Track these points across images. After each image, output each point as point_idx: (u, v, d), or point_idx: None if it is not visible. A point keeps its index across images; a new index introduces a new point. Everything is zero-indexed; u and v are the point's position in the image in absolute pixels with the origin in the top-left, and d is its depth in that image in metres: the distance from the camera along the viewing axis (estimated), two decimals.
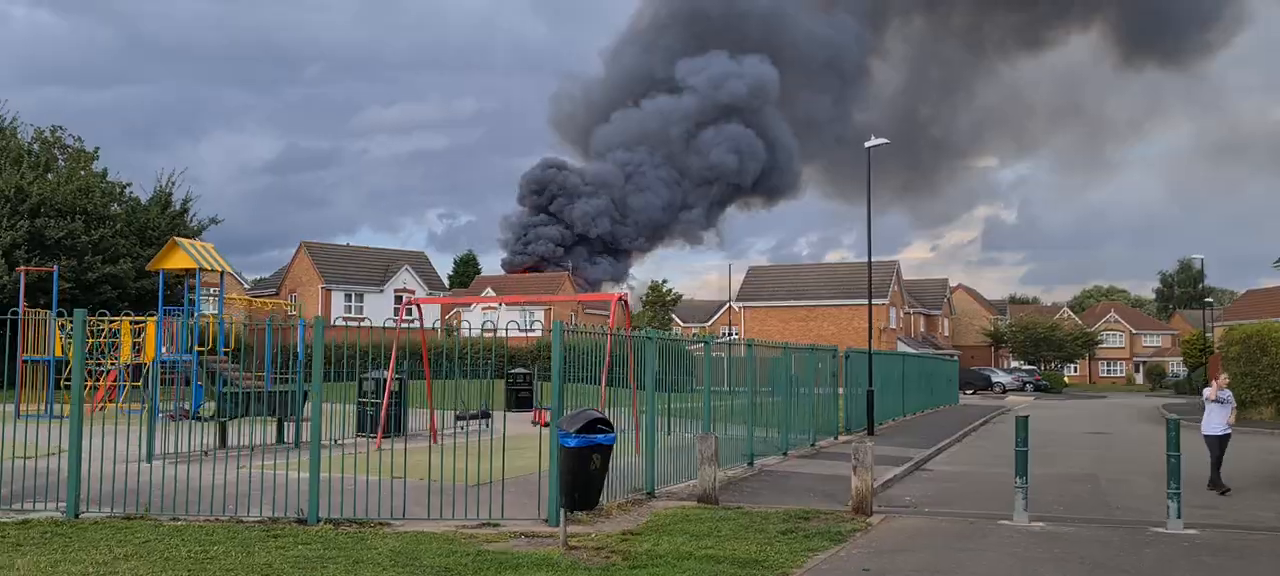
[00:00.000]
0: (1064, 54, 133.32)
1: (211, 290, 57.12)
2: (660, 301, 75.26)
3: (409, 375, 20.50)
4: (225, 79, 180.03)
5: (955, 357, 75.25)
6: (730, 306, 70.45)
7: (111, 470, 12.31)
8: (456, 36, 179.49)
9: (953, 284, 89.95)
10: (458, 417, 15.84)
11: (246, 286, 59.80)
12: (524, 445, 14.96)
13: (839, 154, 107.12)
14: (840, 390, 24.38)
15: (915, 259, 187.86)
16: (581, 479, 9.28)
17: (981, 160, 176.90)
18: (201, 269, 22.42)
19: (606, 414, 10.90)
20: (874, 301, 63.71)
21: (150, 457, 14.39)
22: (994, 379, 66.26)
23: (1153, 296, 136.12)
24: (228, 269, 23.64)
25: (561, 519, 9.59)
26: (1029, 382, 70.25)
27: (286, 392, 17.47)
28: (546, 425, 12.83)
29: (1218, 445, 15.29)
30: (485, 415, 21.71)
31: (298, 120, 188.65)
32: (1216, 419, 15.35)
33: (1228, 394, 15.41)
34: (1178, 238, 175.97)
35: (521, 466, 13.52)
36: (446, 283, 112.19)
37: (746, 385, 17.42)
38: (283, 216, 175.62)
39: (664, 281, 79.13)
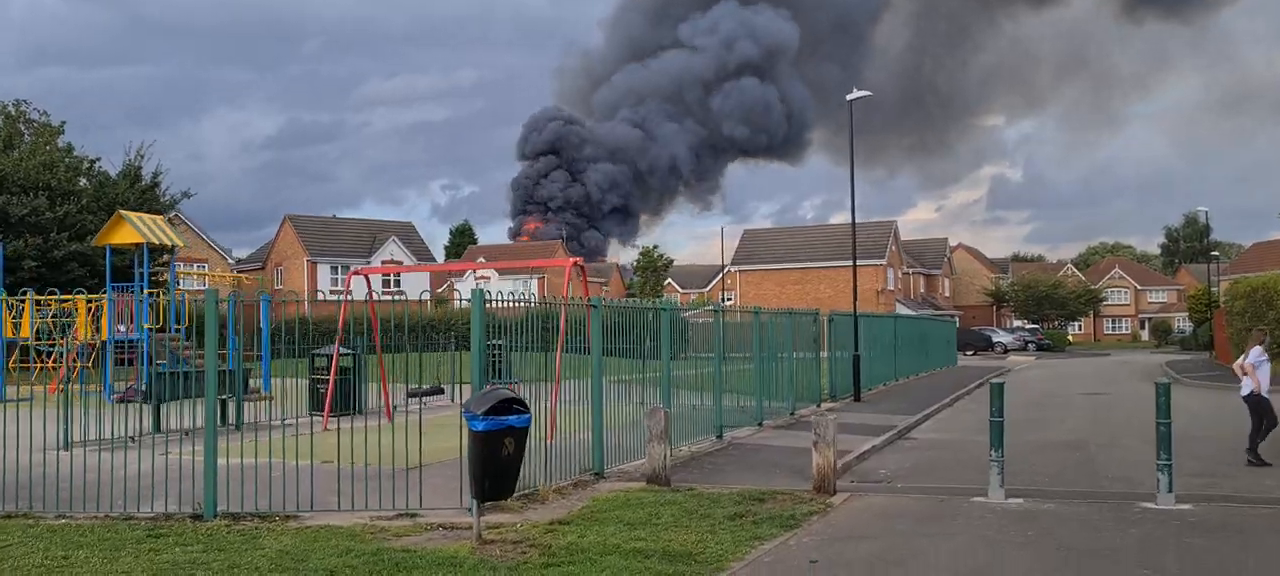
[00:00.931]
0: (1068, 9, 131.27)
1: (193, 265, 56.29)
2: (652, 267, 74.19)
3: (368, 349, 19.52)
4: (226, 57, 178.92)
5: (955, 318, 74.40)
6: (724, 270, 69.45)
7: (15, 459, 11.33)
8: (456, 8, 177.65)
9: (953, 243, 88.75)
10: (409, 394, 14.84)
11: (231, 263, 58.87)
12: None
13: (846, 116, 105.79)
14: (823, 355, 23.37)
15: (920, 220, 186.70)
16: (493, 466, 8.29)
17: (987, 118, 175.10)
18: (149, 243, 21.39)
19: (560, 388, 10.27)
20: (871, 262, 62.91)
21: (67, 445, 13.42)
22: (995, 339, 65.36)
23: (1158, 252, 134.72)
24: (179, 242, 22.62)
25: (475, 510, 8.61)
26: (1031, 342, 69.32)
27: (228, 372, 16.49)
28: None
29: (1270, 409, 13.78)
30: (438, 391, 20.79)
31: (299, 95, 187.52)
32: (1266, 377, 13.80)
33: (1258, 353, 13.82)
34: (1185, 192, 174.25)
35: (455, 448, 12.52)
36: (443, 253, 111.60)
37: (714, 352, 16.40)
38: (285, 191, 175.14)
39: (654, 247, 77.95)
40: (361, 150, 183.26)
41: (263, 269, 58.90)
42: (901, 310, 64.14)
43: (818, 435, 10.85)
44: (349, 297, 18.77)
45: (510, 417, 8.30)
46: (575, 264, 16.64)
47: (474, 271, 74.34)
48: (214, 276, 51.14)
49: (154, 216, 23.74)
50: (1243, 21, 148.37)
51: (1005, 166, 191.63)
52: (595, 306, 12.42)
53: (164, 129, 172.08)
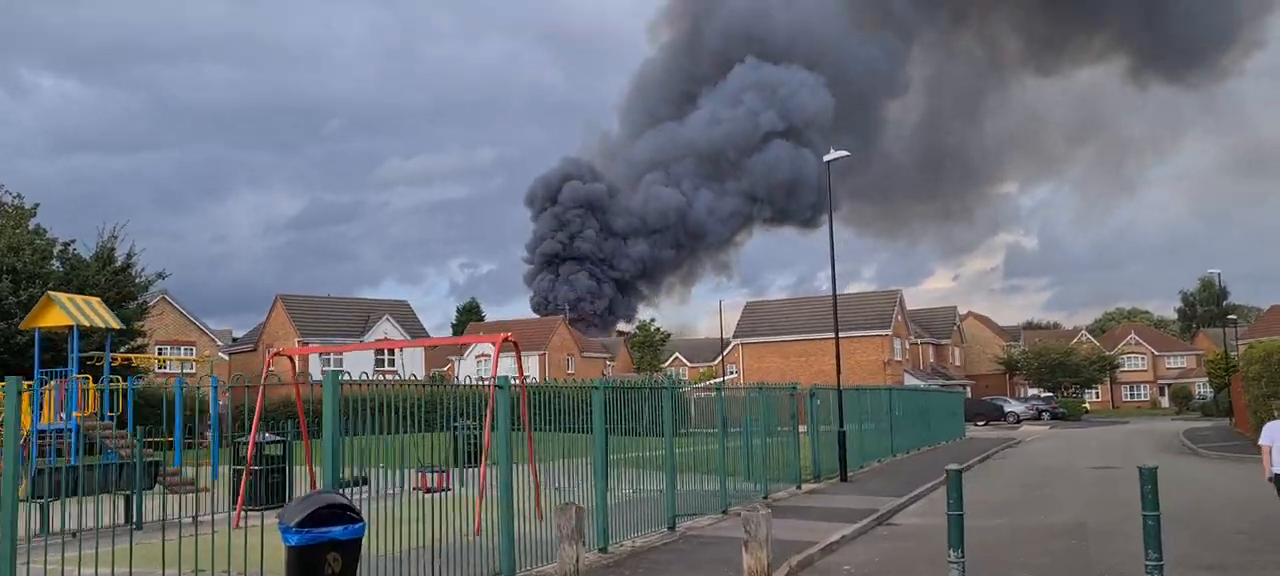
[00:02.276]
0: (1075, 79, 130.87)
1: (183, 349, 55.15)
2: (649, 342, 72.53)
3: (295, 436, 17.95)
4: (249, 140, 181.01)
5: (966, 388, 72.30)
6: (727, 346, 67.82)
7: None
8: (474, 87, 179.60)
9: (963, 312, 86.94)
10: (327, 490, 13.19)
11: (219, 344, 57.69)
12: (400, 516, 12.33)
13: (862, 183, 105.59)
14: (802, 430, 21.71)
15: (938, 288, 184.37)
16: None
17: (1002, 186, 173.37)
18: (80, 325, 20.05)
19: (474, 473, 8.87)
20: (876, 332, 61.22)
21: None
22: (1007, 408, 63.19)
23: (1176, 316, 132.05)
24: (115, 323, 21.26)
25: None
26: (1045, 411, 67.06)
27: (130, 465, 14.97)
28: (428, 490, 10.47)
29: None
30: (362, 481, 19.13)
31: (320, 176, 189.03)
32: None
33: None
34: (1202, 255, 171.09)
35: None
36: (449, 331, 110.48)
37: (664, 433, 14.77)
38: (307, 271, 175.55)
39: (651, 320, 76.38)
40: (382, 229, 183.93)
41: (254, 350, 57.69)
42: (910, 381, 62.48)
43: (748, 532, 9.21)
44: (269, 378, 17.24)
45: (334, 528, 6.72)
46: (505, 339, 15.14)
47: (413, 349, 72.82)
48: (203, 359, 50.04)
49: (87, 298, 22.44)
50: (1250, 86, 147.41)
51: (1020, 234, 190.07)
52: (502, 387, 10.89)
53: (189, 213, 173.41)
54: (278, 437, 17.45)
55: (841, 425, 23.11)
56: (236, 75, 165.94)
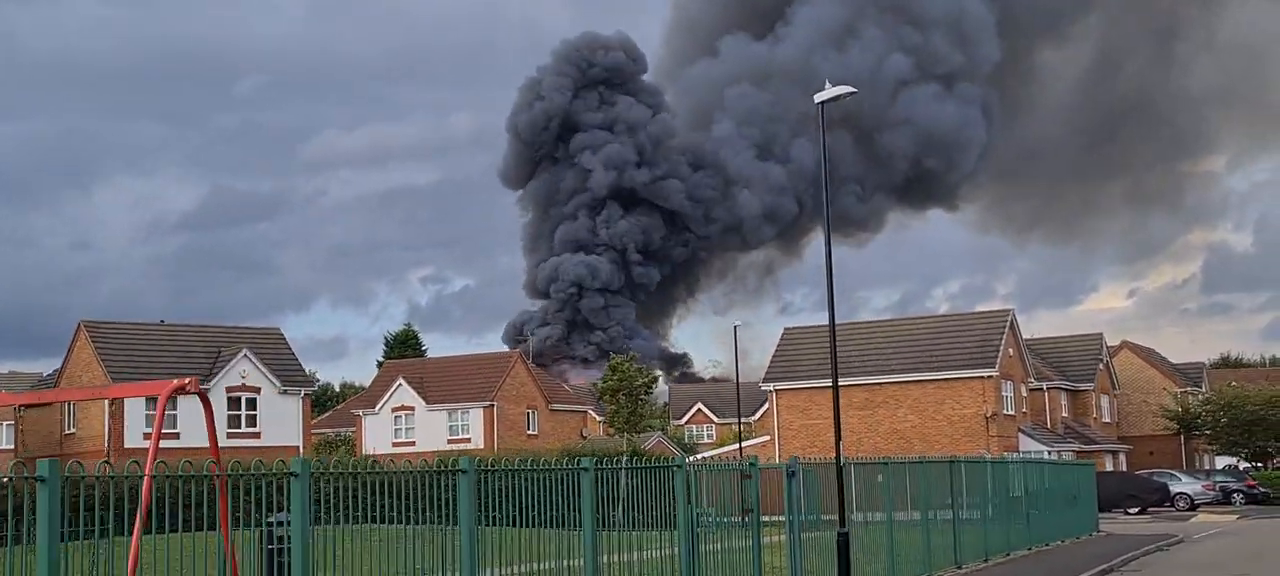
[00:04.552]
0: None
1: None
2: (628, 388, 69.51)
3: None
4: (128, 107, 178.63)
5: (1117, 456, 68.51)
6: (737, 386, 65.25)
7: None
8: (446, 29, 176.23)
9: (1113, 342, 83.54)
10: None
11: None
12: None
13: (998, 158, 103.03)
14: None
15: (1106, 309, 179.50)
16: None
17: (1202, 161, 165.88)
18: None
19: None
20: (973, 373, 58.51)
21: None
22: (1175, 488, 60.35)
23: None
24: None
25: None
26: (1236, 491, 63.73)
27: None
28: None
29: None
30: None
31: (227, 156, 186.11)
32: None
33: None
34: None
35: None
36: (373, 368, 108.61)
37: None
38: (205, 290, 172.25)
39: (630, 356, 73.42)
40: (314, 229, 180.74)
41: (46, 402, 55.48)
42: (1027, 445, 59.83)
43: None
44: None
45: None
46: (177, 388, 13.29)
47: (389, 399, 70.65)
48: None
49: None
50: None
51: (1227, 229, 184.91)
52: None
53: (41, 207, 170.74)
54: None
55: (842, 521, 21.06)
56: (111, 15, 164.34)
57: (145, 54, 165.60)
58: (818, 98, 22.67)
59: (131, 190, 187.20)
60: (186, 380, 13.49)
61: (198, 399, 13.63)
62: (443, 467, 13.21)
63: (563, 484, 14.58)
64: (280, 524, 11.30)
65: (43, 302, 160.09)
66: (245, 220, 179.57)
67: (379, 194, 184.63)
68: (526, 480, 14.12)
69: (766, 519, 19.64)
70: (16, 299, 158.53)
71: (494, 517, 13.47)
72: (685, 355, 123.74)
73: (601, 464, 15.59)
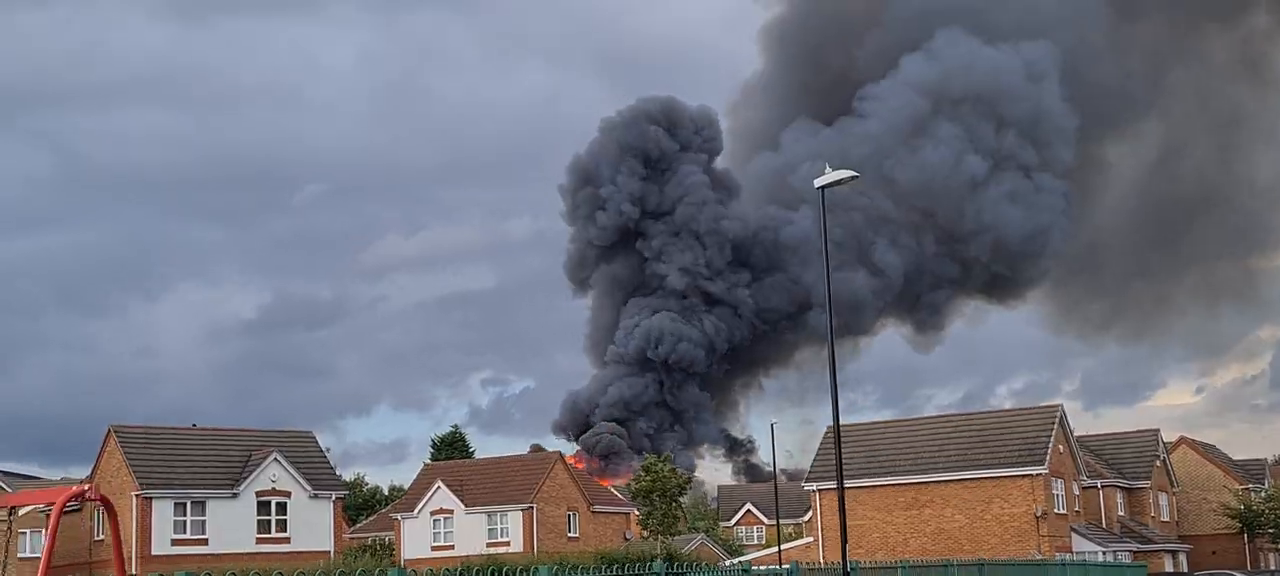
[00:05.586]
0: None
1: None
2: (662, 490, 67.70)
3: None
4: (191, 214, 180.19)
5: (1178, 557, 66.08)
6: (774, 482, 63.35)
7: None
8: (502, 134, 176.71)
9: (1170, 438, 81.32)
10: None
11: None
12: None
13: (1064, 251, 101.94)
14: None
15: (1174, 404, 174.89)
16: None
17: (1273, 255, 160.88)
18: None
19: None
20: (1021, 472, 56.68)
21: None
22: None
23: None
24: None
25: None
26: None
27: None
28: None
29: None
30: None
31: (288, 262, 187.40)
32: None
33: None
34: None
35: None
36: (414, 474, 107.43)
37: None
38: (265, 394, 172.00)
39: (665, 457, 71.74)
40: (373, 333, 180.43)
41: (79, 509, 54.95)
42: (1081, 545, 58.28)
43: None
44: None
45: None
46: (75, 495, 12.25)
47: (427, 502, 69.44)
48: None
49: None
50: None
51: None
52: None
53: (108, 314, 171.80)
54: None
55: None
56: (174, 124, 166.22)
57: (205, 160, 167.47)
58: (817, 182, 21.88)
59: (194, 297, 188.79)
60: (88, 486, 12.53)
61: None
62: None
63: None
64: None
65: (105, 409, 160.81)
66: (304, 326, 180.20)
67: (438, 298, 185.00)
68: None
69: None
70: (79, 406, 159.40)
71: None
72: (750, 439, 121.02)
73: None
